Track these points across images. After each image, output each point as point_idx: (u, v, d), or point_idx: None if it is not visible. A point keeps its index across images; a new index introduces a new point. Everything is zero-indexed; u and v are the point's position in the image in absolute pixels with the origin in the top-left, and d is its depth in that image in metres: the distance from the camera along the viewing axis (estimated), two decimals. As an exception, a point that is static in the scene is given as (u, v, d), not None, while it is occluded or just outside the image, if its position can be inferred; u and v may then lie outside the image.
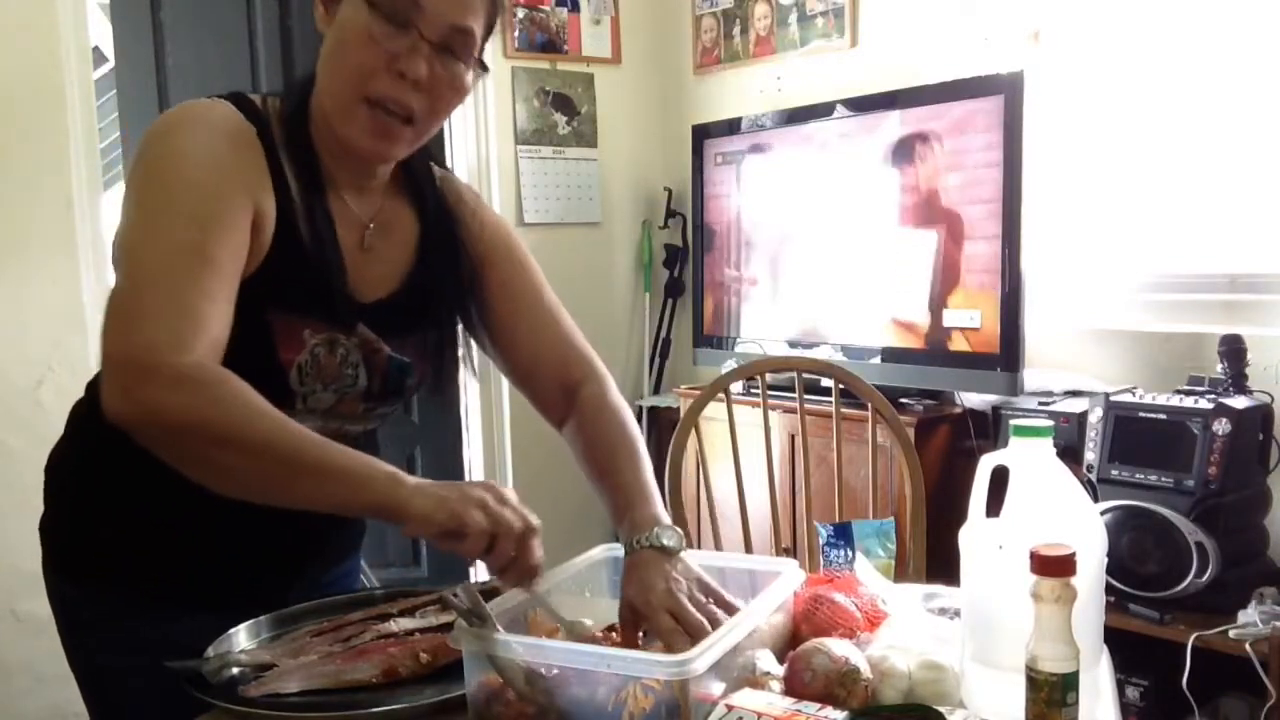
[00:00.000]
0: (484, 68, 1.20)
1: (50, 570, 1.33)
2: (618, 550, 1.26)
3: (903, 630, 1.14)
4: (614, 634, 1.11)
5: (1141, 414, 2.25)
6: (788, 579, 1.15)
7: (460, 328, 1.37)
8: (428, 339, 1.31)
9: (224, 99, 1.19)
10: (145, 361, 1.01)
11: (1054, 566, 0.88)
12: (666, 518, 1.18)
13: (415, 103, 1.15)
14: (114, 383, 1.02)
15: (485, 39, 1.19)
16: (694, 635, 1.02)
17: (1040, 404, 2.48)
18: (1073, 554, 0.89)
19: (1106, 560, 1.05)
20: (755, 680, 1.01)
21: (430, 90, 1.15)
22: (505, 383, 3.47)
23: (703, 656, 0.92)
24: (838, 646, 1.02)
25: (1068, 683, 0.87)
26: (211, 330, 1.05)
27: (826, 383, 2.23)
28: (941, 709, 0.95)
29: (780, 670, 1.03)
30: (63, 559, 1.32)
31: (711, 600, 1.10)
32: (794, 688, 0.99)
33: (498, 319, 1.36)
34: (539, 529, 1.06)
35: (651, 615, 1.05)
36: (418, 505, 1.01)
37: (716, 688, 0.96)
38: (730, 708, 0.92)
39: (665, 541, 1.12)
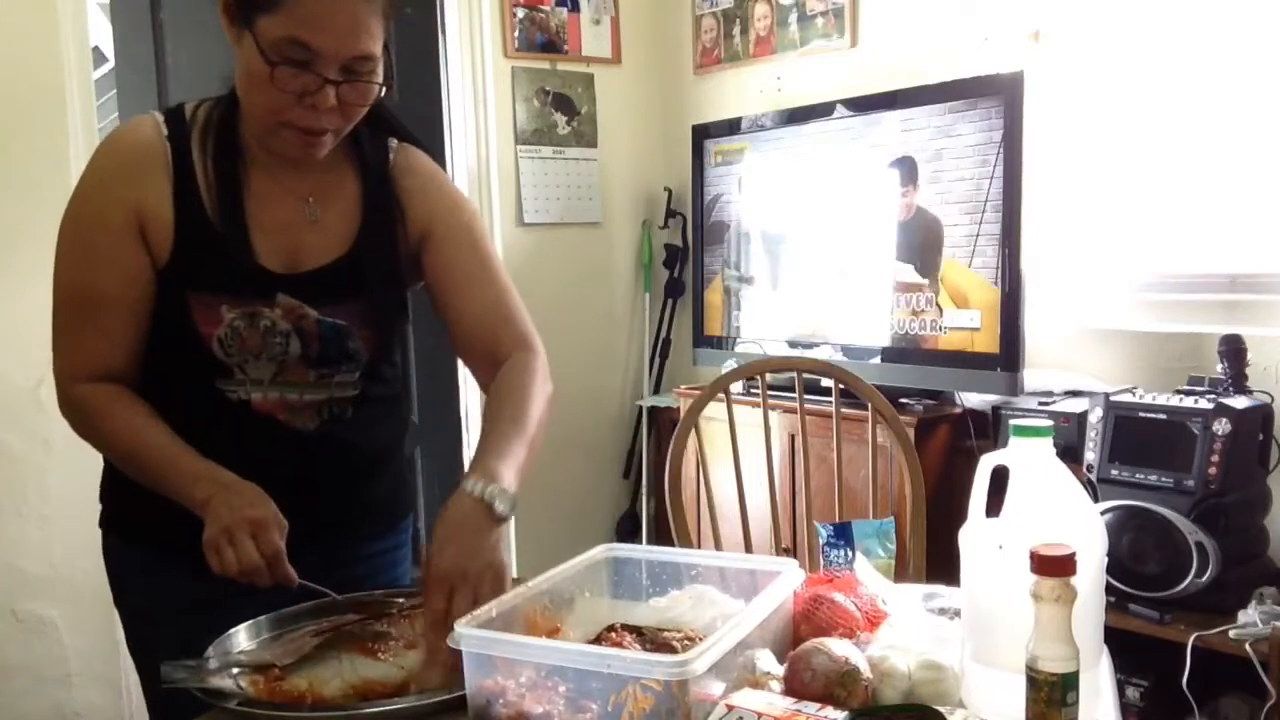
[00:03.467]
0: (387, 48, 1.26)
1: (103, 528, 1.43)
2: (617, 550, 1.27)
3: (903, 630, 1.14)
4: (613, 634, 1.11)
5: (1141, 414, 2.25)
6: (787, 579, 1.15)
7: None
8: (372, 303, 1.36)
9: (161, 110, 1.32)
10: (59, 390, 1.31)
11: (1054, 566, 0.88)
12: (512, 481, 1.20)
13: (329, 122, 1.24)
14: (56, 398, 1.32)
15: (387, 28, 1.25)
16: (439, 623, 1.08)
17: (1040, 404, 2.48)
18: (1073, 554, 0.89)
19: (1106, 560, 1.05)
20: (755, 680, 1.01)
21: (342, 109, 1.24)
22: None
23: (703, 657, 0.92)
24: (838, 646, 1.02)
25: (1068, 683, 0.87)
26: (103, 355, 1.28)
27: (826, 383, 2.23)
28: (941, 709, 0.95)
29: (780, 670, 1.03)
30: (109, 517, 1.43)
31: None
32: (794, 688, 0.99)
33: (439, 292, 1.42)
34: (257, 568, 1.16)
35: (434, 583, 1.11)
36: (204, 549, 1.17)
37: (716, 688, 0.96)
38: (730, 708, 0.92)
39: (498, 505, 1.16)
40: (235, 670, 1.10)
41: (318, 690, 1.08)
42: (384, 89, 1.27)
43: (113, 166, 1.29)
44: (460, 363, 3.49)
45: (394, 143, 1.42)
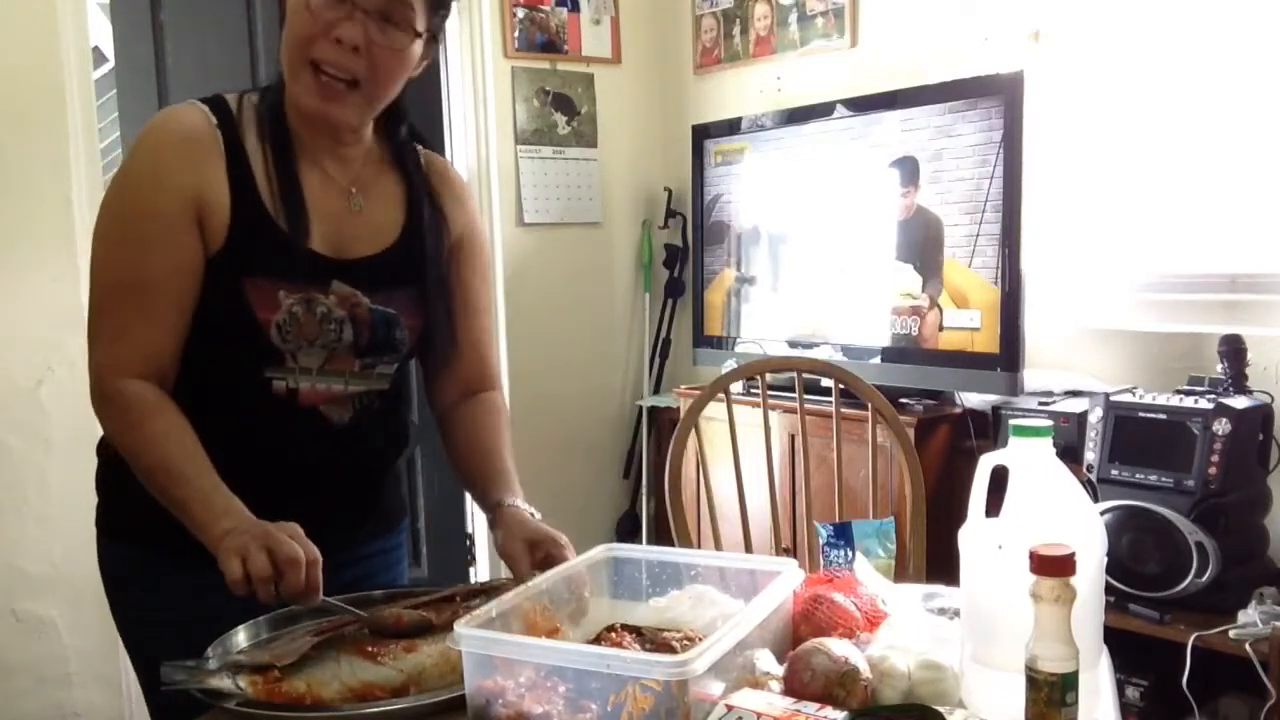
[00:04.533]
0: (434, 39, 1.31)
1: (99, 531, 1.41)
2: (618, 550, 1.27)
3: (903, 630, 1.14)
4: (613, 634, 1.11)
5: (1141, 414, 2.25)
6: (787, 579, 1.15)
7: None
8: (418, 293, 1.39)
9: (201, 101, 1.32)
10: (95, 380, 1.27)
11: (1053, 566, 0.88)
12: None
13: (356, 66, 1.26)
14: (90, 390, 1.28)
15: (435, 12, 1.30)
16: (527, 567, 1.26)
17: (1040, 404, 2.48)
18: (1072, 554, 0.89)
19: (1106, 560, 1.05)
20: (755, 680, 1.01)
21: (370, 55, 1.25)
22: (505, 384, 3.47)
23: (703, 657, 0.92)
24: (838, 646, 1.02)
25: (1067, 683, 0.87)
26: (149, 346, 1.26)
27: (826, 383, 2.23)
28: (941, 709, 0.95)
29: (780, 670, 1.03)
30: (107, 521, 1.40)
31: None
32: (794, 688, 0.99)
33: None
34: (298, 561, 1.14)
35: (558, 554, 1.27)
36: (218, 558, 1.14)
37: (716, 688, 0.96)
38: (730, 708, 0.92)
39: (536, 514, 1.38)
40: (235, 671, 1.09)
41: (316, 692, 1.08)
42: (434, 41, 1.30)
43: (168, 153, 1.27)
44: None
45: (421, 149, 1.46)
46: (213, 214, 1.26)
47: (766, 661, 1.03)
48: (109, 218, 1.29)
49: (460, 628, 1.01)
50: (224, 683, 1.06)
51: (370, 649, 1.14)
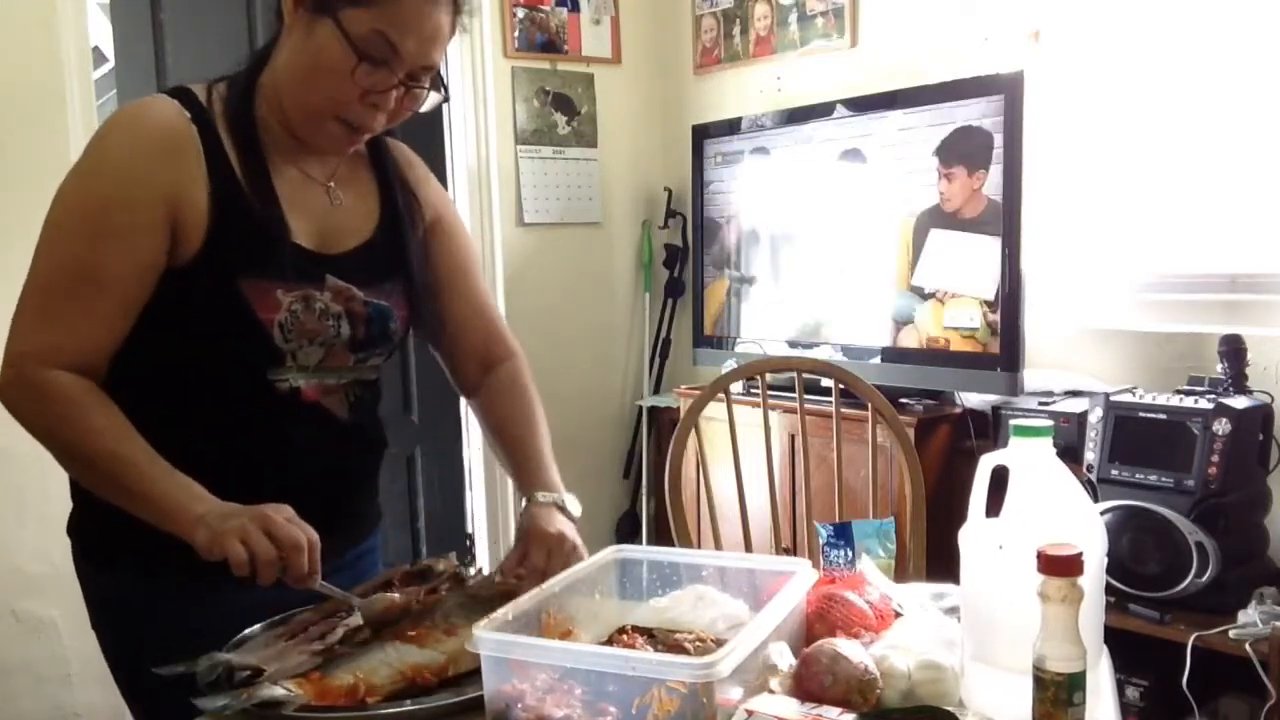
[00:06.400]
0: (445, 87, 1.31)
1: (79, 560, 1.37)
2: (627, 552, 1.27)
3: (907, 629, 1.14)
4: (624, 635, 1.11)
5: (1141, 414, 2.25)
6: (802, 579, 1.15)
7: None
8: (404, 282, 1.39)
9: (167, 94, 1.28)
10: (17, 369, 1.20)
11: (1062, 566, 0.88)
12: (563, 489, 1.40)
13: (379, 124, 1.27)
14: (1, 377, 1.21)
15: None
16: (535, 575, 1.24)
17: (1040, 404, 2.48)
18: (1080, 554, 0.89)
19: (1106, 560, 1.05)
20: (768, 670, 1.01)
21: (393, 111, 1.27)
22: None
23: (727, 659, 0.93)
24: (852, 651, 1.02)
25: (1074, 682, 0.88)
26: (84, 341, 1.20)
27: (826, 383, 2.23)
28: (953, 709, 0.96)
29: (788, 663, 1.02)
30: (87, 548, 1.36)
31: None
32: (812, 690, 0.99)
33: (434, 283, 1.46)
34: (301, 545, 1.14)
35: (557, 559, 1.27)
36: (198, 541, 1.13)
37: (734, 692, 0.96)
38: (750, 713, 0.92)
39: (570, 507, 1.36)
40: (238, 677, 1.07)
41: (369, 680, 1.09)
42: (444, 99, 1.30)
43: (144, 148, 1.22)
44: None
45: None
46: (190, 214, 1.22)
47: (778, 654, 1.03)
48: (67, 202, 1.23)
49: (480, 631, 1.01)
50: (275, 691, 1.04)
51: (411, 634, 1.15)
